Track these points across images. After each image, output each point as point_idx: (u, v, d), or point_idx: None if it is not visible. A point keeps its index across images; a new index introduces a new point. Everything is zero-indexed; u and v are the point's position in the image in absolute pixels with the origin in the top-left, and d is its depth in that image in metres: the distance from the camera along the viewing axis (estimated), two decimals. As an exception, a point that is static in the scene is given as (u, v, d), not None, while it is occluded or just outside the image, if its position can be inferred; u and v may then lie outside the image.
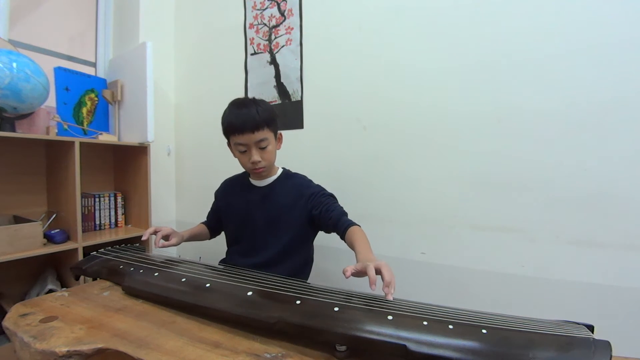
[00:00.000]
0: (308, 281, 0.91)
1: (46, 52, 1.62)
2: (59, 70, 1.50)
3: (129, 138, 1.63)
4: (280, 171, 1.04)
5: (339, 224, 0.88)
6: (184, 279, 0.73)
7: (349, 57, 1.30)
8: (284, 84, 1.49)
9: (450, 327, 0.50)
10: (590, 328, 0.56)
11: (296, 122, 1.44)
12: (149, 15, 1.77)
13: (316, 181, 1.05)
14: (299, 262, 1.01)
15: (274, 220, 0.98)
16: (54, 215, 1.42)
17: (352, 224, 0.87)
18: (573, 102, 0.93)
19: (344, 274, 0.64)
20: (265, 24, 1.53)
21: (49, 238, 1.30)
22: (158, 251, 1.36)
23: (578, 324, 0.58)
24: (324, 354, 0.53)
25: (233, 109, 0.93)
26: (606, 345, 0.46)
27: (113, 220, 1.65)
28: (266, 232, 0.98)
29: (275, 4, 1.50)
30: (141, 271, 0.80)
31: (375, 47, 1.24)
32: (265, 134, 0.91)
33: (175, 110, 1.94)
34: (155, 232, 0.98)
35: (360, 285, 0.69)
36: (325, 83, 1.37)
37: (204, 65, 1.80)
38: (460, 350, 0.46)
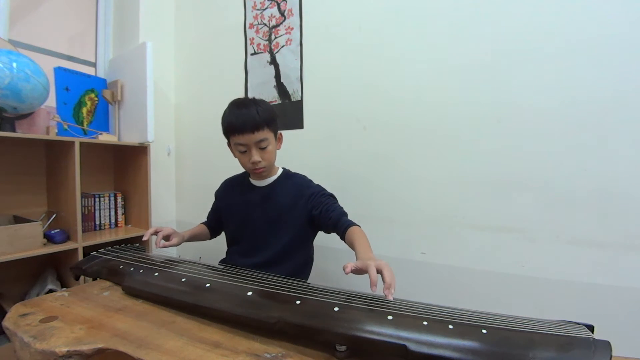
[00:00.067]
0: (308, 281, 0.91)
1: (46, 52, 1.62)
2: (59, 70, 1.50)
3: (129, 138, 1.63)
4: (280, 171, 1.04)
5: (339, 224, 0.88)
6: (184, 279, 0.73)
7: (349, 57, 1.30)
8: (284, 84, 1.49)
9: (450, 327, 0.50)
10: (590, 328, 0.56)
11: (296, 122, 1.44)
12: (149, 15, 1.77)
13: (316, 181, 1.05)
14: (299, 262, 1.01)
15: (274, 220, 0.98)
16: (54, 215, 1.42)
17: (352, 224, 0.87)
18: (573, 101, 0.93)
19: (344, 270, 0.64)
20: (265, 24, 1.53)
21: (49, 238, 1.30)
22: (158, 251, 1.36)
23: (578, 324, 0.58)
24: (324, 354, 0.53)
25: (233, 109, 0.93)
26: (606, 345, 0.46)
27: (113, 220, 1.65)
28: (266, 232, 0.98)
29: (275, 4, 1.50)
30: (141, 271, 0.80)
31: (375, 47, 1.24)
32: (265, 134, 0.91)
33: (175, 110, 1.94)
34: (156, 233, 0.98)
35: (360, 286, 0.69)
36: (325, 83, 1.37)
37: (204, 65, 1.80)
38: (460, 350, 0.46)
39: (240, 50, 1.62)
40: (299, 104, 1.44)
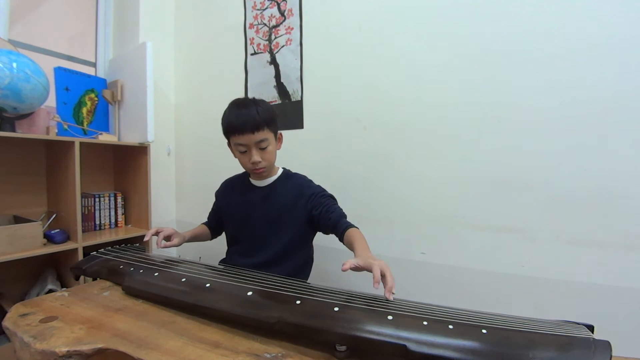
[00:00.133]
0: (308, 281, 0.91)
1: (46, 52, 1.62)
2: (59, 70, 1.50)
3: (129, 138, 1.63)
4: (280, 171, 1.04)
5: (338, 225, 0.88)
6: (184, 279, 0.73)
7: (349, 57, 1.30)
8: (284, 84, 1.49)
9: (450, 327, 0.50)
10: (590, 328, 0.56)
11: (296, 122, 1.44)
12: (149, 15, 1.77)
13: (316, 181, 1.05)
14: (299, 262, 1.01)
15: (274, 220, 0.98)
16: (54, 215, 1.42)
17: (351, 225, 0.87)
18: (573, 101, 0.93)
19: (342, 266, 0.64)
20: (265, 24, 1.53)
21: (49, 238, 1.30)
22: (158, 251, 1.36)
23: (578, 324, 0.58)
24: (324, 354, 0.53)
25: (233, 109, 0.93)
26: (606, 345, 0.46)
27: (113, 220, 1.65)
28: (266, 232, 0.98)
29: (275, 4, 1.50)
30: (141, 271, 0.80)
31: (375, 47, 1.24)
32: (266, 134, 0.91)
33: (175, 110, 1.94)
34: (157, 233, 0.98)
35: (361, 286, 0.69)
36: (325, 83, 1.37)
37: (204, 65, 1.80)
38: (460, 350, 0.46)
39: (240, 50, 1.62)
40: (299, 104, 1.44)
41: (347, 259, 0.70)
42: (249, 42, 1.60)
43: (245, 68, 1.61)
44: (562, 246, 0.95)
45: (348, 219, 0.91)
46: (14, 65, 1.18)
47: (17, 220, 1.32)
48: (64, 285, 1.39)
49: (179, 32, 1.91)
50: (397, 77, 1.20)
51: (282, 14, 1.48)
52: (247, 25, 1.60)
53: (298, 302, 0.59)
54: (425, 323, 0.51)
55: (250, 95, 1.58)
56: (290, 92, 1.47)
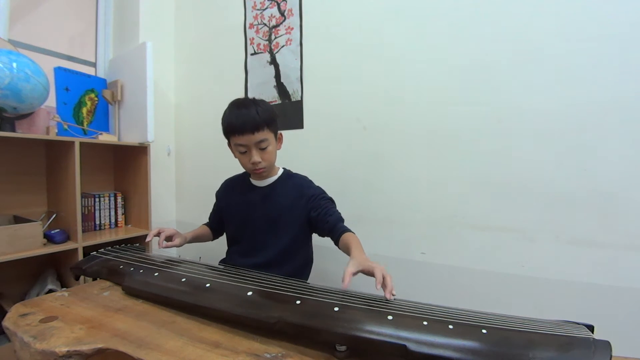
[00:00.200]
0: (308, 281, 0.91)
1: (46, 52, 1.62)
2: (59, 70, 1.50)
3: (129, 138, 1.63)
4: (280, 171, 1.04)
5: (335, 228, 0.89)
6: (184, 279, 0.73)
7: (349, 57, 1.30)
8: (284, 84, 1.49)
9: (450, 327, 0.50)
10: (590, 328, 0.56)
11: (296, 122, 1.44)
12: (149, 15, 1.77)
13: (316, 181, 1.05)
14: (299, 262, 1.01)
15: (275, 221, 0.97)
16: (54, 215, 1.42)
17: (347, 230, 0.87)
18: (573, 102, 0.93)
19: (342, 283, 0.62)
20: (265, 24, 1.53)
21: (49, 238, 1.30)
22: (158, 251, 1.36)
23: (578, 324, 0.58)
24: (324, 354, 0.53)
25: (233, 110, 0.93)
26: (606, 345, 0.46)
27: (113, 220, 1.65)
28: (266, 232, 0.98)
29: (275, 4, 1.50)
30: (141, 271, 0.80)
31: (375, 47, 1.24)
32: (266, 134, 0.91)
33: (175, 110, 1.94)
34: (158, 234, 0.98)
35: (360, 286, 0.69)
36: (325, 83, 1.37)
37: (204, 65, 1.80)
38: (460, 350, 0.46)
39: (240, 50, 1.62)
40: (299, 104, 1.44)
41: (347, 259, 0.70)
42: (249, 42, 1.60)
43: (245, 68, 1.61)
44: (562, 246, 0.95)
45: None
46: (14, 65, 1.18)
47: (17, 220, 1.32)
48: (64, 285, 1.39)
49: (179, 32, 1.91)
50: (397, 77, 1.20)
51: (282, 14, 1.48)
52: (247, 25, 1.60)
53: (298, 302, 0.59)
54: (425, 323, 0.51)
55: (250, 95, 1.58)
56: (290, 92, 1.47)
